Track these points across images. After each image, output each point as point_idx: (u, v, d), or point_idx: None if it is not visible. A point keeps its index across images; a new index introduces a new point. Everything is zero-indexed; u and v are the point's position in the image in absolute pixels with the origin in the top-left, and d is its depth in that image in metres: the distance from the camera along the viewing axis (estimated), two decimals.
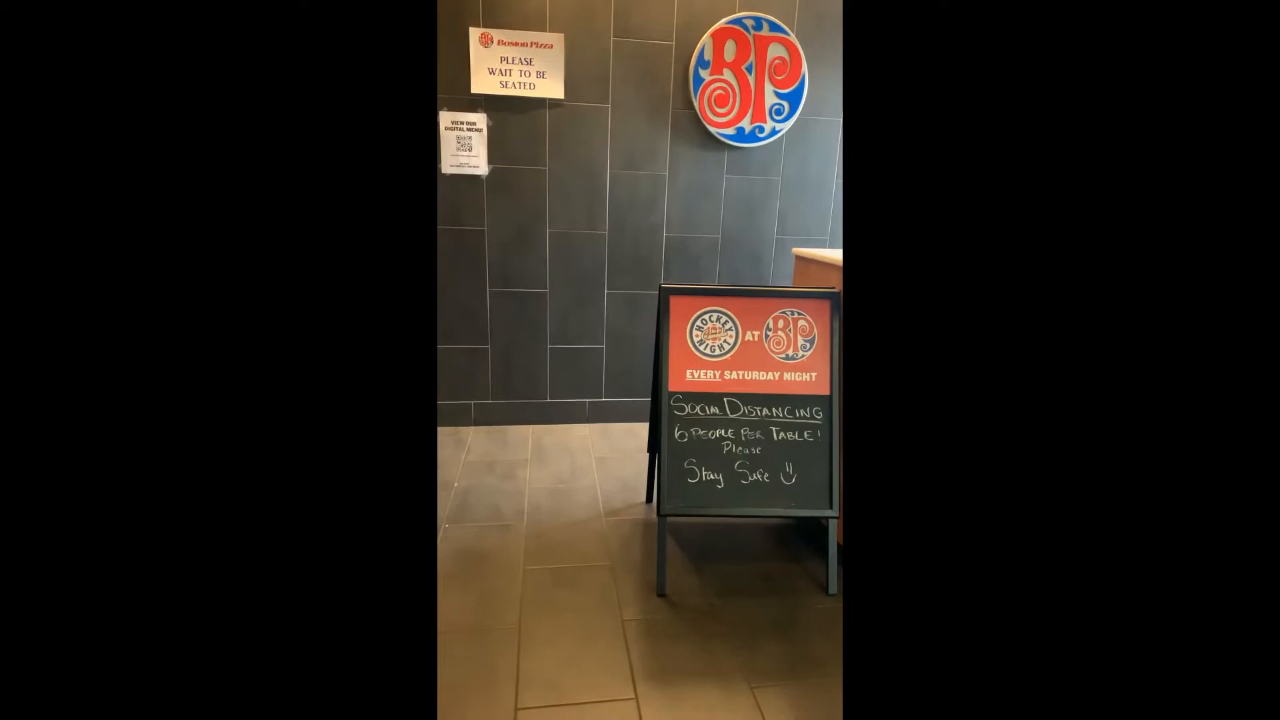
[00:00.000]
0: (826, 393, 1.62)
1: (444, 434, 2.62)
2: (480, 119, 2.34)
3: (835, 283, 1.76)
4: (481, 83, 2.30)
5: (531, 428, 2.62)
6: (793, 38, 2.39)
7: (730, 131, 2.44)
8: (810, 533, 1.92)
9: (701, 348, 1.66)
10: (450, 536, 1.93)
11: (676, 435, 1.63)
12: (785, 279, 2.67)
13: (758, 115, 2.44)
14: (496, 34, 2.25)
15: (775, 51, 2.38)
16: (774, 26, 2.36)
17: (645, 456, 2.37)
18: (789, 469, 1.62)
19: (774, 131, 2.47)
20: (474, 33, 2.23)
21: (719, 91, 2.39)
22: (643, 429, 2.64)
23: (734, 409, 1.64)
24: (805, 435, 1.63)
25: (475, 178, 2.40)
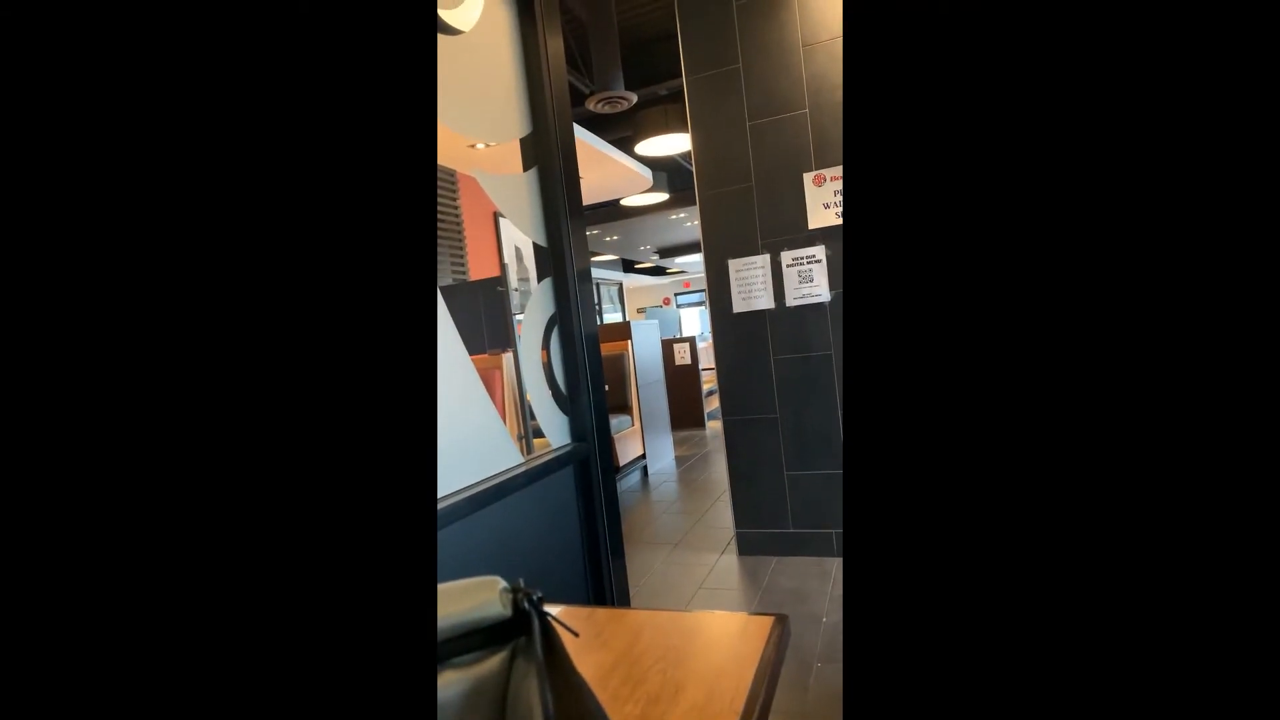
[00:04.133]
0: None
1: (805, 563, 2.45)
2: (819, 250, 2.46)
3: None
4: (817, 218, 2.45)
5: None
6: None
7: None
8: None
9: None
10: (825, 677, 1.71)
11: None
12: None
13: None
14: (828, 172, 2.43)
15: None
16: None
17: None
18: None
19: None
20: (807, 177, 2.45)
21: None
22: None
23: None
24: None
25: (819, 305, 2.47)
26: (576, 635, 0.31)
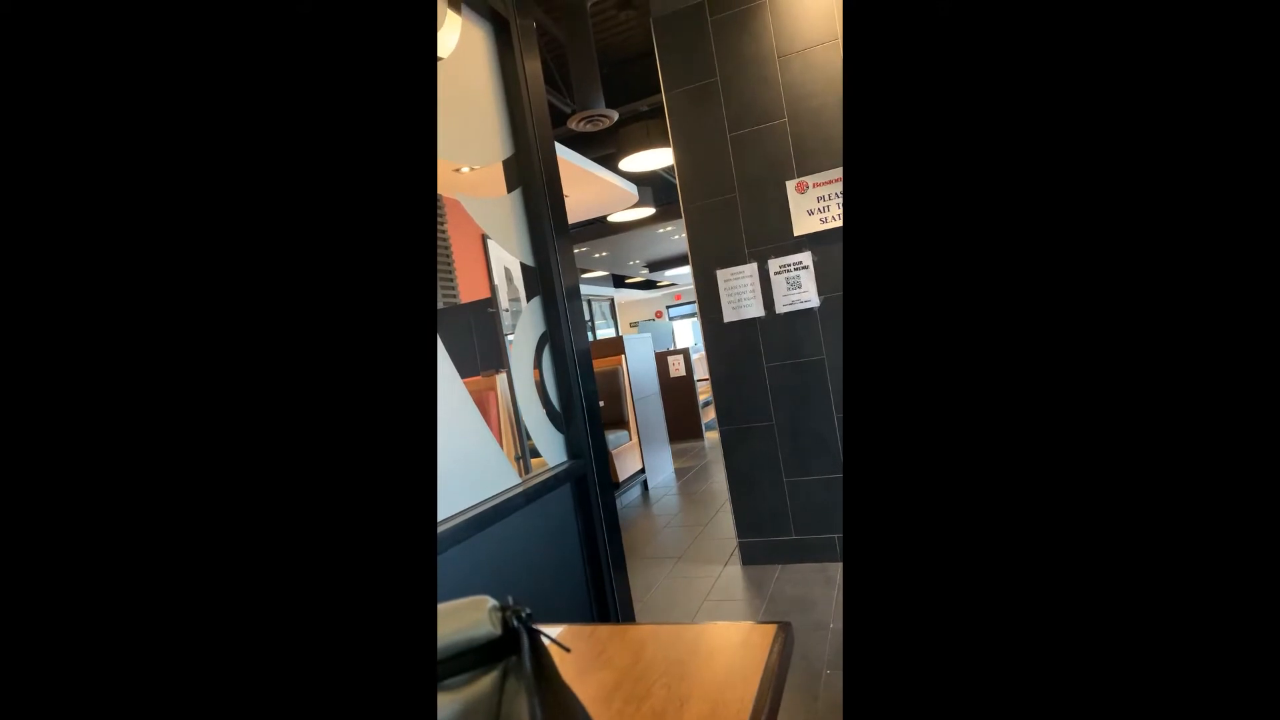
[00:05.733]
0: None
1: (809, 570, 2.44)
2: (806, 257, 2.48)
3: None
4: (802, 225, 2.47)
5: None
6: None
7: None
8: None
9: None
10: (833, 685, 1.70)
11: None
12: None
13: None
14: (810, 179, 2.46)
15: None
16: None
17: None
18: None
19: None
20: (790, 185, 2.48)
21: None
22: None
23: None
24: None
25: (809, 311, 2.48)
26: (568, 650, 0.31)
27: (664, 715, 0.53)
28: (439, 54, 1.31)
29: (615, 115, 3.73)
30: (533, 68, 1.52)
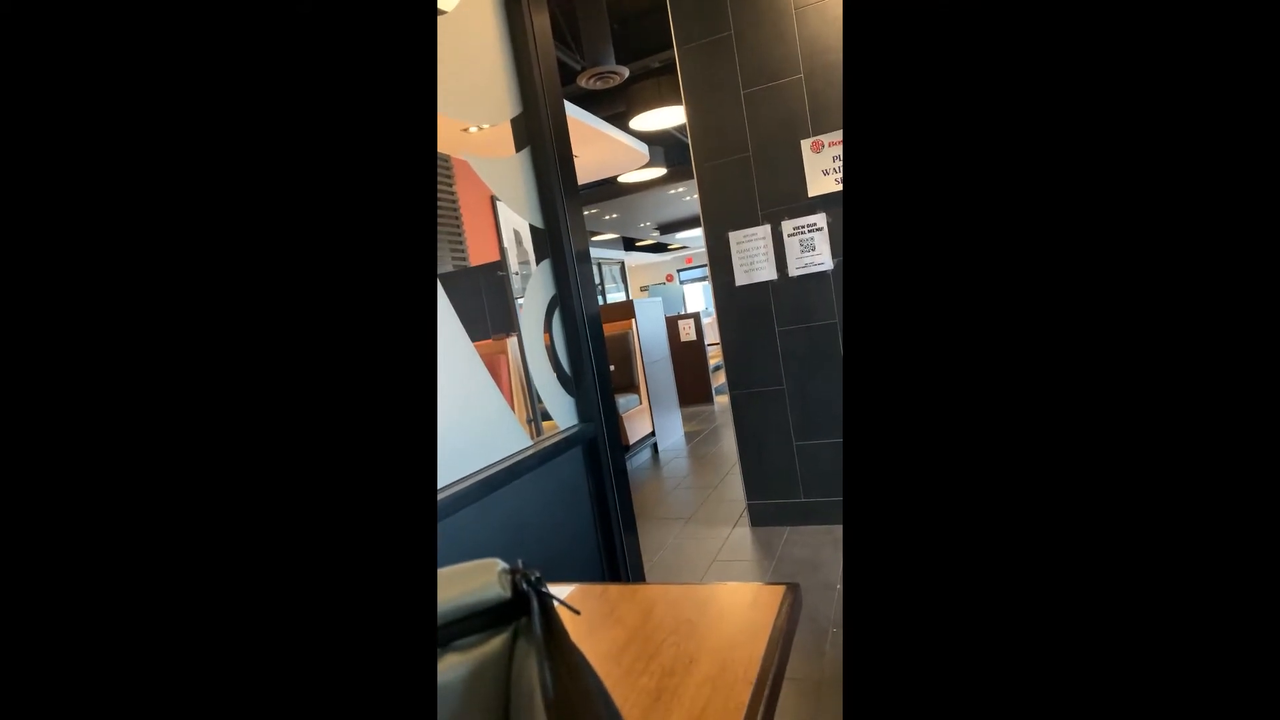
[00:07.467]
0: None
1: (817, 532, 2.46)
2: (820, 218, 2.43)
3: None
4: (817, 186, 2.42)
5: None
6: None
7: None
8: None
9: None
10: (840, 644, 1.73)
11: None
12: None
13: None
14: (826, 138, 2.39)
15: None
16: None
17: None
18: None
19: None
20: (804, 144, 2.42)
21: None
22: None
23: None
24: None
25: (822, 274, 2.45)
26: (578, 614, 0.31)
27: (673, 673, 0.54)
28: (442, 6, 1.27)
29: (626, 72, 3.64)
30: (541, 22, 1.47)
